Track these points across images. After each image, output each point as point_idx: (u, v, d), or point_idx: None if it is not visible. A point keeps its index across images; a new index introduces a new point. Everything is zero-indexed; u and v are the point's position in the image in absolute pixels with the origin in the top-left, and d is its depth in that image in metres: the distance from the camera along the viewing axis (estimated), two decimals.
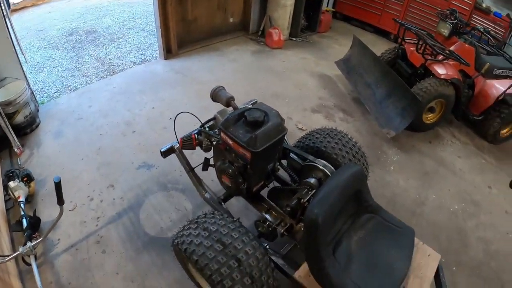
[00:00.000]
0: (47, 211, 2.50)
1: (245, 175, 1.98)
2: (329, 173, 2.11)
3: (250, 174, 1.95)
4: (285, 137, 2.33)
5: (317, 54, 5.25)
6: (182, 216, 2.60)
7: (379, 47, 4.80)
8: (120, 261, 2.29)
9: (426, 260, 2.06)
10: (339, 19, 6.89)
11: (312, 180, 2.10)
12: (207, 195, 2.26)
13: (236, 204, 2.71)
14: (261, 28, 5.68)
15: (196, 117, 2.20)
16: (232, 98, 2.14)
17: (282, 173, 2.34)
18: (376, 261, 1.87)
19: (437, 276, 2.07)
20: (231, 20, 5.50)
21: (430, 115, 4.09)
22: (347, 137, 2.49)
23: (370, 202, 2.05)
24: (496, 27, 6.18)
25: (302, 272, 1.88)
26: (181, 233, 1.83)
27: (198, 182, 2.31)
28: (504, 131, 4.61)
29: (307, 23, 6.04)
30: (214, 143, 2.07)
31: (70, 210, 2.52)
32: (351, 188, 1.89)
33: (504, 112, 4.35)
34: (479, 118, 4.42)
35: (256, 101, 2.43)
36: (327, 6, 6.62)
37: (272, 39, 5.30)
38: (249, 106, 2.19)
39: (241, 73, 4.42)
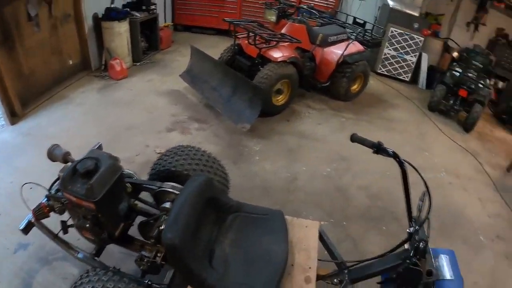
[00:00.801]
0: None
1: (101, 224, 2.00)
2: (179, 193, 2.19)
3: (104, 221, 1.98)
4: (132, 172, 2.45)
5: (162, 72, 5.38)
6: (71, 284, 2.49)
7: (222, 47, 5.09)
8: None
9: (305, 232, 2.22)
10: (181, 31, 7.15)
11: (167, 204, 2.18)
12: (80, 255, 2.22)
13: (119, 250, 2.66)
14: (103, 63, 5.58)
15: (39, 184, 2.22)
16: (68, 153, 2.17)
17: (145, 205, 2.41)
18: (254, 254, 1.98)
19: (322, 240, 2.25)
20: (71, 62, 5.28)
21: (280, 97, 4.48)
22: (194, 150, 2.61)
23: (230, 203, 2.18)
24: None
25: None
26: None
27: (66, 246, 2.26)
28: (354, 87, 5.26)
29: (147, 43, 6.13)
30: (64, 203, 2.06)
31: None
32: (201, 198, 1.98)
33: (348, 72, 4.96)
34: (327, 83, 4.96)
35: (100, 144, 2.40)
36: (165, 21, 6.78)
37: (115, 71, 5.25)
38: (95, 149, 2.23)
39: (90, 115, 4.31)
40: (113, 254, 2.64)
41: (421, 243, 1.73)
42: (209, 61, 4.51)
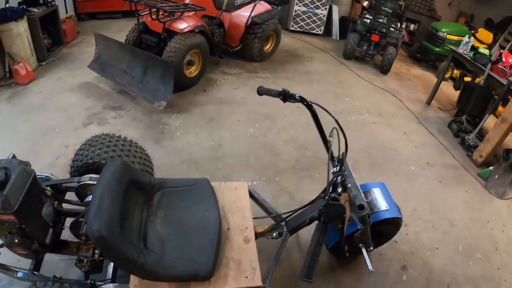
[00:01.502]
0: None
1: (28, 235, 1.91)
2: None
3: (30, 231, 1.89)
4: (50, 174, 2.34)
5: (71, 66, 5.12)
6: None
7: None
8: None
9: (235, 193, 2.25)
10: (85, 20, 6.76)
11: (90, 198, 2.10)
12: (19, 275, 2.11)
13: (59, 258, 2.54)
14: (7, 70, 5.19)
15: None
16: None
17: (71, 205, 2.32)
18: (187, 226, 1.99)
19: (254, 198, 2.30)
20: None
21: (192, 68, 4.47)
22: (108, 137, 2.54)
23: (152, 181, 2.16)
24: None
25: (134, 281, 1.89)
26: None
27: (3, 268, 2.13)
28: (267, 46, 5.36)
29: (51, 40, 5.74)
30: None
31: None
32: (120, 183, 1.94)
33: (258, 32, 5.02)
34: (239, 47, 5.01)
35: (13, 154, 2.29)
36: (67, 12, 6.39)
37: (20, 76, 4.91)
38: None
39: (4, 129, 4.00)
40: (59, 263, 2.53)
41: (338, 178, 1.79)
42: (115, 45, 4.33)
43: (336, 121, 1.80)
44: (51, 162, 3.43)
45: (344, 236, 1.92)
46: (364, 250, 1.81)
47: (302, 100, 1.74)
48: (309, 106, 1.74)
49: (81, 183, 2.23)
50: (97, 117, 3.95)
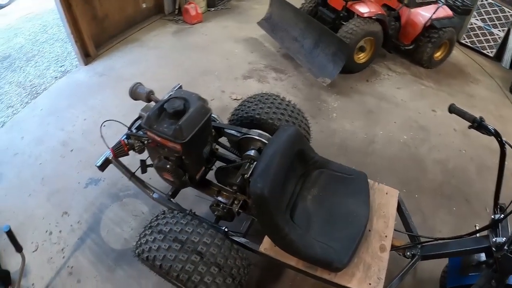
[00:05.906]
0: (13, 260, 2.39)
1: (184, 166, 2.00)
2: (266, 142, 2.15)
3: (187, 164, 1.98)
4: (216, 116, 2.41)
5: (239, 19, 5.28)
6: (141, 221, 2.64)
7: None
8: (97, 285, 2.31)
9: (385, 198, 2.16)
10: None
11: (252, 152, 2.14)
12: (155, 195, 2.25)
13: (191, 193, 2.73)
14: (177, 7, 5.57)
15: (120, 122, 2.21)
16: (152, 92, 2.16)
17: (225, 150, 2.42)
18: (336, 213, 1.95)
19: (400, 210, 2.18)
20: (144, 5, 5.32)
21: (361, 55, 4.29)
22: (279, 99, 2.53)
23: (316, 158, 2.14)
24: None
25: (266, 244, 1.92)
26: (139, 242, 1.87)
27: (142, 185, 2.30)
28: (437, 54, 4.92)
29: None
30: (145, 142, 2.05)
31: (33, 252, 2.45)
32: (291, 150, 1.94)
33: (434, 37, 4.63)
34: (411, 47, 4.68)
35: (181, 86, 2.41)
36: None
37: (189, 15, 5.22)
38: (172, 93, 2.18)
39: (165, 59, 4.35)
40: (187, 197, 2.69)
41: None
42: (291, 10, 4.33)
43: None
44: None
45: None
46: None
47: (496, 135, 1.59)
48: (501, 143, 1.61)
49: (248, 136, 2.23)
50: (258, 73, 4.01)
